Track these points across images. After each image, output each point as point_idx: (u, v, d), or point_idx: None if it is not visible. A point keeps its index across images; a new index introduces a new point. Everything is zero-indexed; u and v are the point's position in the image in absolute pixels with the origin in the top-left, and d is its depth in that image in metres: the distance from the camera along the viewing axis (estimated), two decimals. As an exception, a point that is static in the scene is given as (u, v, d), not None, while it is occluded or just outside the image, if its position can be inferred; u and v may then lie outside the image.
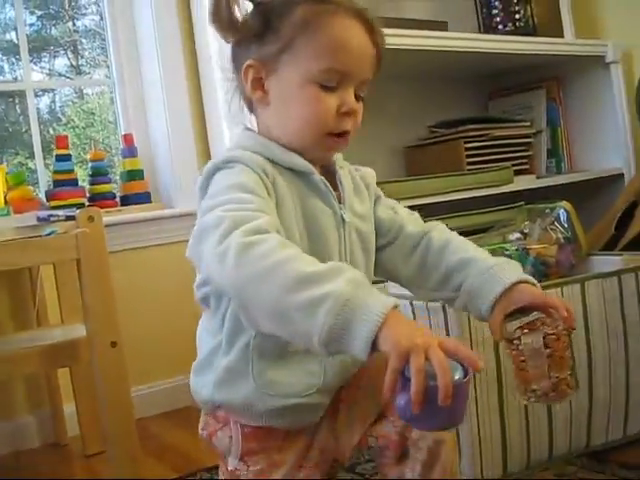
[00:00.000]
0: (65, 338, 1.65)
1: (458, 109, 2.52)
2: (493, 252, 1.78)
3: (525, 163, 2.39)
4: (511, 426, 1.39)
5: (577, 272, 1.78)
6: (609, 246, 2.00)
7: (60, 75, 2.47)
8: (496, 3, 2.25)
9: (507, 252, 1.72)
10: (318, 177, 0.99)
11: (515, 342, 0.92)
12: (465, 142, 2.24)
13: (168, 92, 2.25)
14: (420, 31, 1.97)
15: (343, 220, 1.01)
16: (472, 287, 0.99)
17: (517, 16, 2.26)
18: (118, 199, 2.26)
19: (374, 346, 0.75)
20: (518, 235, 1.83)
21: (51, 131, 2.36)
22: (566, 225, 1.78)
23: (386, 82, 2.02)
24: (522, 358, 0.92)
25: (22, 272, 1.99)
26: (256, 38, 0.99)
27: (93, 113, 2.52)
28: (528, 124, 2.46)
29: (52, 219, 1.57)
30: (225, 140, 2.20)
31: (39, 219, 1.57)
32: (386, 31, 1.62)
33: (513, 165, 2.27)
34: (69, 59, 2.49)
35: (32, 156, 2.25)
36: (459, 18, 2.35)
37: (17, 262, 1.54)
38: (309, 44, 0.96)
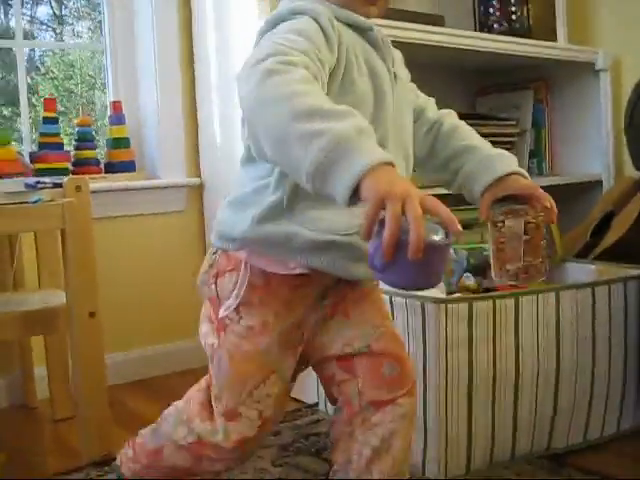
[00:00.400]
0: (43, 305, 1.66)
1: (446, 103, 2.53)
2: (472, 251, 1.83)
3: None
4: (477, 425, 1.43)
5: (551, 278, 1.83)
6: (583, 253, 2.05)
7: (42, 24, 2.42)
8: (494, 2, 2.26)
9: (486, 252, 1.75)
10: (375, 33, 1.02)
11: (499, 224, 1.00)
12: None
13: (161, 62, 2.23)
14: (417, 25, 1.97)
15: (396, 77, 1.04)
16: (470, 171, 1.07)
17: (513, 16, 2.27)
18: (102, 166, 2.25)
19: (358, 194, 0.75)
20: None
21: (29, 80, 2.31)
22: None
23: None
24: (502, 239, 1.00)
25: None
26: None
27: (73, 66, 2.49)
28: (514, 123, 2.50)
29: (39, 186, 1.56)
30: (214, 119, 2.20)
31: (27, 185, 1.57)
32: (382, 22, 1.65)
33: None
34: (52, 8, 2.44)
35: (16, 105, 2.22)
36: (456, 13, 2.36)
37: (3, 229, 1.54)
38: None
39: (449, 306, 1.35)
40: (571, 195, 2.43)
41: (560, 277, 1.87)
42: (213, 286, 1.02)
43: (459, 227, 0.76)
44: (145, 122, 2.33)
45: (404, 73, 1.12)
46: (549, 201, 1.01)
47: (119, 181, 2.17)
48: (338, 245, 0.95)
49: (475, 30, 2.33)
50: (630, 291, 1.58)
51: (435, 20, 2.14)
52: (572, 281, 1.78)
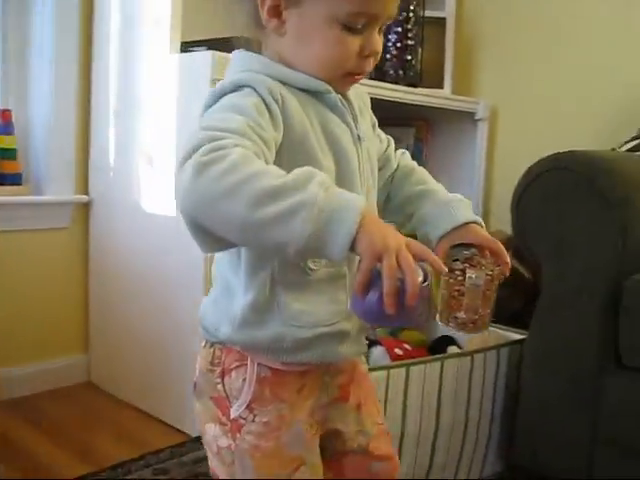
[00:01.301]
0: None
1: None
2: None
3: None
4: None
5: (428, 328, 1.97)
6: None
7: None
8: (391, 49, 2.35)
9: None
10: (334, 95, 0.95)
11: (457, 272, 0.98)
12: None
13: (57, 75, 2.15)
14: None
15: (360, 138, 0.99)
16: (427, 215, 1.06)
17: (407, 65, 2.37)
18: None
19: (350, 248, 0.76)
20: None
21: None
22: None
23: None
24: (458, 288, 0.98)
25: None
26: None
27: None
28: (394, 159, 2.61)
29: None
30: (109, 137, 2.16)
31: None
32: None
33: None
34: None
35: None
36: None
37: None
38: None
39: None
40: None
41: (436, 330, 2.00)
42: (220, 386, 0.97)
43: (444, 267, 0.81)
44: (34, 134, 2.23)
45: (368, 123, 1.07)
46: (507, 256, 1.01)
47: (3, 194, 2.08)
48: (327, 336, 0.94)
49: (371, 74, 2.41)
50: (502, 357, 1.74)
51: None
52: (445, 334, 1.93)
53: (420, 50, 2.42)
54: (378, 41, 0.93)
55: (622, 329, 1.53)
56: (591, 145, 2.13)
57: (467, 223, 1.04)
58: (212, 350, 0.98)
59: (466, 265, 0.99)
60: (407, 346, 1.70)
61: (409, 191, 1.11)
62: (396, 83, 2.34)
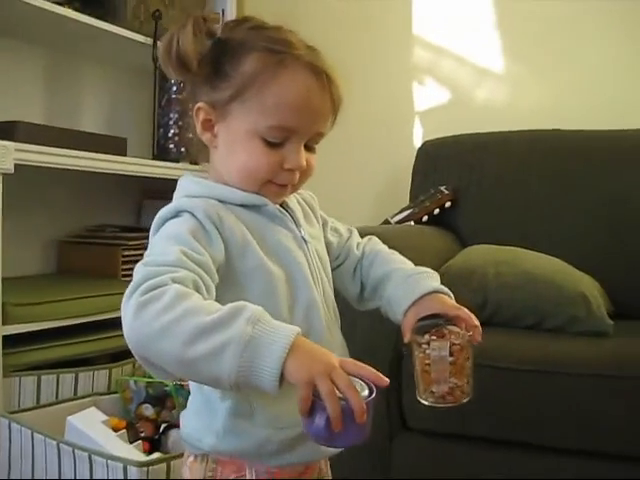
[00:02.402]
0: None
1: (109, 207, 2.62)
2: (151, 383, 1.88)
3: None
4: None
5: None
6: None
7: None
8: (173, 127, 2.38)
9: (166, 387, 1.83)
10: (271, 206, 1.00)
11: (423, 346, 0.98)
12: (123, 249, 2.32)
13: None
14: (95, 154, 2.03)
15: (305, 240, 1.04)
16: (391, 296, 1.08)
17: (189, 142, 2.41)
18: None
19: (282, 377, 0.77)
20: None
21: None
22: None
23: (50, 174, 2.03)
24: (427, 361, 0.98)
25: None
26: (208, 81, 0.97)
27: None
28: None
29: None
30: None
31: None
32: (56, 151, 1.66)
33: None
34: None
35: None
36: (138, 136, 2.45)
37: None
38: (256, 98, 0.94)
39: (150, 468, 1.41)
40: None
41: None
42: None
43: (385, 379, 0.80)
44: None
45: (315, 224, 1.13)
46: (475, 320, 1.02)
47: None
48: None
49: (154, 153, 2.42)
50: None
51: (117, 144, 2.19)
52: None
53: (202, 127, 2.46)
54: (300, 156, 0.97)
55: (405, 391, 1.62)
56: (365, 218, 2.30)
57: (430, 293, 1.05)
58: (204, 464, 0.98)
59: (433, 337, 0.99)
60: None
61: (375, 275, 1.13)
62: (178, 161, 2.38)
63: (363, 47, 2.73)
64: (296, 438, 0.95)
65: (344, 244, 1.18)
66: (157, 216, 0.96)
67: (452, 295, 1.08)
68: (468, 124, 2.42)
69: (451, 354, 0.98)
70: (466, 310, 1.03)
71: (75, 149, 1.95)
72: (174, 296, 0.80)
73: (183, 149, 2.39)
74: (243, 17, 1.04)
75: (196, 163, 2.41)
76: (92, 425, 1.62)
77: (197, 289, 0.84)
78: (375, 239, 1.22)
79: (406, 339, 1.03)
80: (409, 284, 1.08)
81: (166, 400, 1.85)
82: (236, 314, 0.79)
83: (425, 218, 2.22)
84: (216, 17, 1.02)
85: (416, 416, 1.63)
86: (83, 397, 1.84)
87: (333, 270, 1.14)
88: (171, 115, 2.38)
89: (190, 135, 2.39)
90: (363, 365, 0.81)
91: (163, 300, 0.79)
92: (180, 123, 2.39)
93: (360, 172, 2.74)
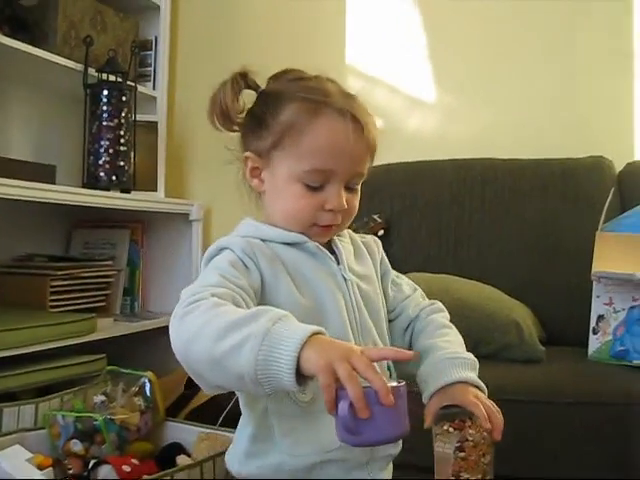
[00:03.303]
0: None
1: (38, 238, 2.55)
2: (80, 418, 1.82)
3: (103, 300, 2.48)
4: None
5: (154, 436, 1.92)
6: (179, 404, 2.18)
7: None
8: (104, 155, 2.34)
9: (96, 422, 1.78)
10: (311, 243, 1.06)
11: (438, 436, 0.98)
12: (51, 279, 2.25)
13: None
14: (23, 182, 1.96)
15: (345, 279, 1.08)
16: (422, 374, 1.08)
17: (120, 170, 2.37)
18: None
19: (302, 374, 0.78)
20: (102, 398, 1.89)
21: None
22: (149, 394, 1.90)
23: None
24: (441, 449, 0.97)
25: None
26: (254, 131, 1.07)
27: None
28: (110, 264, 2.54)
29: None
30: None
31: None
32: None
33: (93, 302, 2.38)
34: None
35: None
36: (67, 164, 2.40)
37: None
38: (294, 145, 1.02)
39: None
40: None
41: (163, 435, 1.97)
42: None
43: (409, 352, 0.87)
44: None
45: (368, 264, 1.16)
46: (489, 421, 0.98)
47: None
48: (328, 463, 0.98)
49: (84, 181, 2.37)
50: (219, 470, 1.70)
51: (46, 171, 2.14)
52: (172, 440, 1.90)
53: (133, 155, 2.43)
54: (340, 197, 1.03)
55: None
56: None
57: (458, 382, 1.03)
58: None
59: (450, 429, 0.97)
60: (134, 461, 1.64)
61: (420, 345, 1.14)
62: (109, 190, 2.33)
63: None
64: (310, 468, 0.99)
65: (402, 300, 1.20)
66: (206, 253, 1.05)
67: (484, 388, 1.06)
68: (400, 153, 2.43)
69: (463, 449, 0.96)
70: (483, 409, 0.99)
71: (2, 176, 1.89)
72: (210, 305, 0.88)
73: (114, 177, 2.35)
74: (284, 70, 1.12)
75: (127, 191, 2.38)
76: (16, 463, 1.56)
77: (236, 304, 0.91)
78: (439, 305, 1.21)
79: (426, 425, 1.02)
80: (441, 368, 1.06)
81: (95, 435, 1.79)
82: (261, 313, 0.85)
83: (359, 246, 2.21)
84: (254, 71, 1.12)
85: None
86: (8, 434, 1.76)
87: (390, 322, 1.17)
88: (102, 142, 2.33)
89: (121, 163, 2.37)
90: (385, 347, 0.91)
91: (200, 308, 0.87)
92: (111, 151, 2.34)
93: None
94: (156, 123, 2.69)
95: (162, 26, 2.75)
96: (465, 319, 1.71)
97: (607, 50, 2.41)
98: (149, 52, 2.76)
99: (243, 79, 1.09)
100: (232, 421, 1.94)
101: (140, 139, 2.51)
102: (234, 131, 1.12)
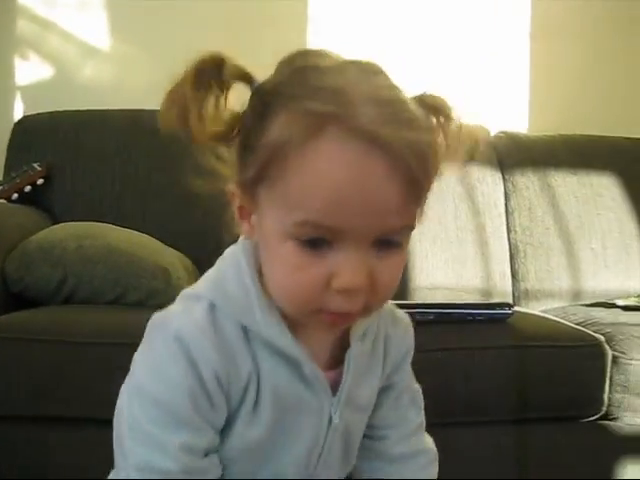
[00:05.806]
0: None
1: None
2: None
3: None
4: None
5: None
6: None
7: None
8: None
9: None
10: (310, 368, 0.73)
11: None
12: None
13: None
14: None
15: (330, 422, 0.77)
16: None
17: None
18: None
19: None
20: None
21: None
22: None
23: None
24: None
25: None
26: (239, 154, 0.68)
27: None
28: None
29: None
30: None
31: None
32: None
33: None
34: None
35: None
36: None
37: None
38: (281, 180, 0.62)
39: None
40: None
41: None
42: None
43: None
44: None
45: (372, 380, 0.82)
46: None
47: None
48: None
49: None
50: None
51: None
52: None
53: None
54: (352, 267, 0.63)
55: None
56: None
57: None
58: None
59: None
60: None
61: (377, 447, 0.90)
62: None
63: None
64: None
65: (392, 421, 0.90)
66: (152, 318, 0.76)
67: None
68: (71, 101, 2.33)
69: None
70: None
71: None
72: None
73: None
74: (298, 51, 0.68)
75: None
76: None
77: None
78: (422, 427, 0.93)
79: None
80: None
81: None
82: None
83: (15, 196, 2.08)
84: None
85: None
86: None
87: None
88: None
89: None
90: None
91: None
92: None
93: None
94: None
95: None
96: (113, 265, 1.69)
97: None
98: None
99: (217, 68, 0.68)
100: None
101: None
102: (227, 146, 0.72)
